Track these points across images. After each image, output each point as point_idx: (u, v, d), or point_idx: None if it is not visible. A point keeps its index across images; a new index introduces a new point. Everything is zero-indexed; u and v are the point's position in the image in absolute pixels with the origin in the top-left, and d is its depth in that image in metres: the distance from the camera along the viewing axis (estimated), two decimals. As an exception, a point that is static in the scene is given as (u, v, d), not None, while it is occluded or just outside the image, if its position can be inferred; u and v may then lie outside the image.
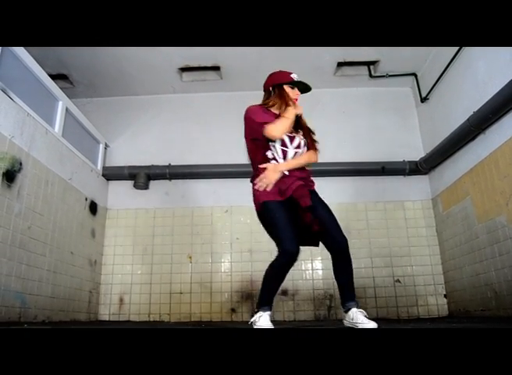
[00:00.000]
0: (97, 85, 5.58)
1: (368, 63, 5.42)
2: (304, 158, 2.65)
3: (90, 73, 5.28)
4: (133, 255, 5.09)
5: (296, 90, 2.68)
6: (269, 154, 2.57)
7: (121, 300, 4.93)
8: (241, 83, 5.54)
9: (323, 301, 4.84)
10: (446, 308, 4.81)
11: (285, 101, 2.63)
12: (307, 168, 2.74)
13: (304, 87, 2.75)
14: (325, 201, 2.67)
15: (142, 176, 5.23)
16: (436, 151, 4.79)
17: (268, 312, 2.45)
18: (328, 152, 5.30)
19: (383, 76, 5.50)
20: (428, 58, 5.12)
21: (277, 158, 2.56)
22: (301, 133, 2.70)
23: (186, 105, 5.78)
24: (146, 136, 5.64)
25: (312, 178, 2.77)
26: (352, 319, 2.38)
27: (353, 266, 5.10)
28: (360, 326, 2.30)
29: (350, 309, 2.45)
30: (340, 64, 5.36)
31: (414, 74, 5.51)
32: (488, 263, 3.95)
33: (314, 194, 2.64)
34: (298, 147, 2.61)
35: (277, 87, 2.68)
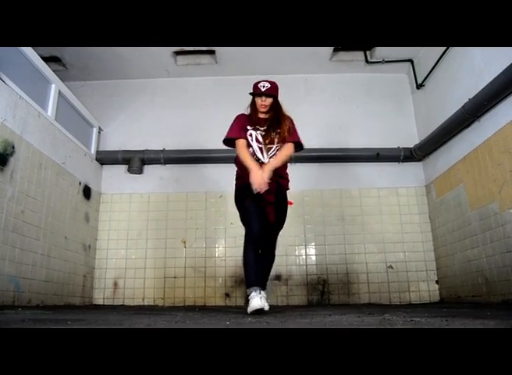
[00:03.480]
0: (91, 68, 5.51)
1: (365, 49, 5.39)
2: (281, 156, 2.98)
3: (84, 55, 5.21)
4: (127, 239, 5.10)
5: (263, 97, 3.01)
6: (250, 150, 3.02)
7: (115, 284, 4.95)
8: (236, 67, 5.50)
9: (316, 286, 4.88)
10: (438, 294, 4.88)
11: (252, 109, 3.11)
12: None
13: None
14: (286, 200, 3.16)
15: (136, 161, 5.21)
16: (431, 138, 4.80)
17: (264, 293, 2.73)
18: (323, 138, 5.32)
19: (379, 62, 5.47)
20: (425, 44, 5.09)
21: (256, 154, 3.01)
22: (278, 128, 3.05)
23: (181, 90, 5.73)
24: (140, 120, 5.60)
25: (288, 171, 3.20)
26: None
27: (347, 251, 5.14)
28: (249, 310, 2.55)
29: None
30: (336, 49, 5.33)
31: (411, 60, 5.49)
32: (480, 250, 3.99)
33: (281, 192, 3.09)
34: (271, 142, 3.02)
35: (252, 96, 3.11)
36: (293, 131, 3.08)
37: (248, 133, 3.05)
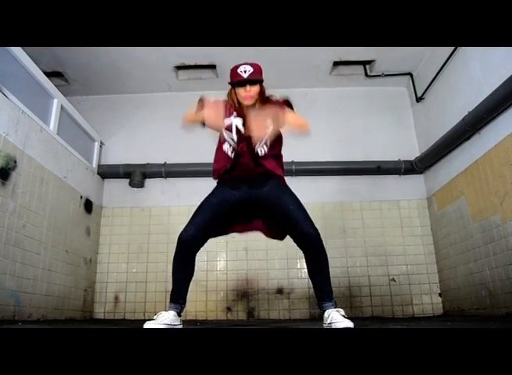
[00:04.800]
0: (93, 83, 5.55)
1: (364, 63, 5.44)
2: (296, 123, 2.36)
3: (86, 70, 5.26)
4: (128, 253, 5.08)
5: (247, 87, 2.34)
6: (224, 147, 2.42)
7: (116, 298, 4.92)
8: (237, 81, 5.52)
9: (318, 299, 4.84)
10: (441, 306, 4.84)
11: (232, 101, 2.47)
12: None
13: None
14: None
15: (137, 175, 5.22)
16: (431, 151, 4.81)
17: (173, 312, 2.23)
18: (324, 152, 5.34)
19: (379, 76, 5.51)
20: (424, 57, 5.13)
21: (233, 146, 2.38)
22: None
23: (182, 104, 5.69)
24: (141, 134, 5.62)
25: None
26: (327, 320, 2.14)
27: (349, 264, 5.11)
28: (334, 326, 2.05)
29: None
30: (336, 63, 5.37)
31: (410, 74, 5.53)
32: (483, 262, 3.97)
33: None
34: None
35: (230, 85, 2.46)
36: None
37: (227, 122, 2.37)
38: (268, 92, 2.50)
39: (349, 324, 2.01)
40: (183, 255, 2.31)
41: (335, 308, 2.19)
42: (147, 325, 2.08)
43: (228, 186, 2.42)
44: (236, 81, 2.37)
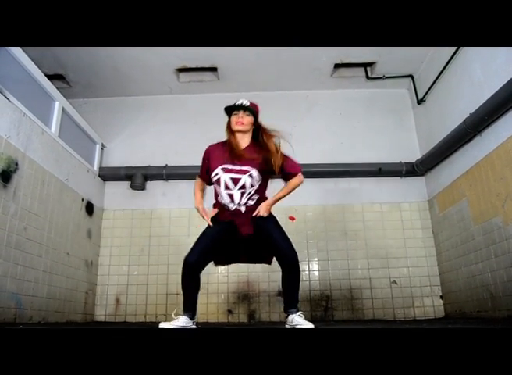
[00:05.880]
0: (94, 85, 5.57)
1: (365, 65, 5.44)
2: (290, 187, 2.68)
3: (87, 73, 5.27)
4: (129, 255, 5.08)
5: (240, 113, 2.61)
6: (219, 198, 2.66)
7: (117, 301, 4.92)
8: (238, 84, 5.53)
9: (319, 302, 4.84)
10: (443, 309, 4.82)
11: (229, 135, 2.72)
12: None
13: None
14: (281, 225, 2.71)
15: (139, 177, 5.22)
16: (433, 153, 4.80)
17: (185, 317, 2.53)
18: (325, 154, 5.34)
19: (380, 78, 5.51)
20: (425, 60, 5.14)
21: (224, 202, 2.63)
22: (258, 167, 2.58)
23: (183, 106, 5.77)
24: (143, 136, 5.63)
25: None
26: (291, 322, 2.48)
27: (350, 266, 5.10)
28: (298, 327, 2.40)
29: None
30: (337, 65, 5.37)
31: (411, 76, 5.53)
32: (484, 265, 3.96)
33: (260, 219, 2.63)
34: (243, 187, 2.57)
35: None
36: (290, 161, 2.66)
37: (215, 176, 2.60)
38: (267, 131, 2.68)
39: (310, 326, 2.35)
40: (189, 275, 2.59)
41: (297, 313, 2.52)
42: (163, 325, 2.42)
43: (223, 221, 2.68)
44: (231, 105, 2.64)
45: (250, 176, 2.55)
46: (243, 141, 2.66)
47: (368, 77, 5.51)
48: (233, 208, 2.60)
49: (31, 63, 3.76)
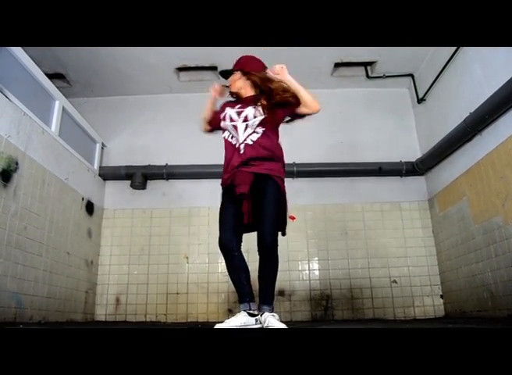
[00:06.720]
0: (95, 84, 5.56)
1: (365, 64, 5.44)
2: (306, 91, 2.73)
3: (87, 72, 5.27)
4: (129, 255, 5.08)
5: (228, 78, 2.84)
6: (226, 134, 2.69)
7: (117, 300, 4.92)
8: (238, 83, 5.52)
9: (320, 301, 4.84)
10: (443, 308, 4.82)
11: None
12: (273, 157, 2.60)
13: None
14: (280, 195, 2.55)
15: (139, 176, 5.22)
16: (433, 152, 4.80)
17: (242, 313, 2.36)
18: (325, 153, 5.34)
19: (380, 77, 5.50)
20: (425, 59, 5.13)
21: (233, 134, 2.63)
22: (260, 103, 2.63)
23: (184, 105, 5.76)
24: (143, 136, 5.63)
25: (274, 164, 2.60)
26: (264, 322, 2.32)
27: (350, 266, 5.10)
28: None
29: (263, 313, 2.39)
30: (337, 65, 5.37)
31: (411, 75, 5.52)
32: (485, 264, 3.96)
33: (263, 180, 2.51)
34: (246, 120, 2.60)
35: None
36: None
37: (223, 113, 2.72)
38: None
39: (284, 326, 2.23)
40: (230, 257, 2.48)
41: (271, 312, 2.37)
42: (218, 325, 2.24)
43: (228, 189, 2.60)
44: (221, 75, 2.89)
45: (254, 108, 2.61)
46: (247, 92, 2.78)
47: (368, 76, 5.50)
48: (237, 146, 2.57)
49: (31, 62, 3.76)
